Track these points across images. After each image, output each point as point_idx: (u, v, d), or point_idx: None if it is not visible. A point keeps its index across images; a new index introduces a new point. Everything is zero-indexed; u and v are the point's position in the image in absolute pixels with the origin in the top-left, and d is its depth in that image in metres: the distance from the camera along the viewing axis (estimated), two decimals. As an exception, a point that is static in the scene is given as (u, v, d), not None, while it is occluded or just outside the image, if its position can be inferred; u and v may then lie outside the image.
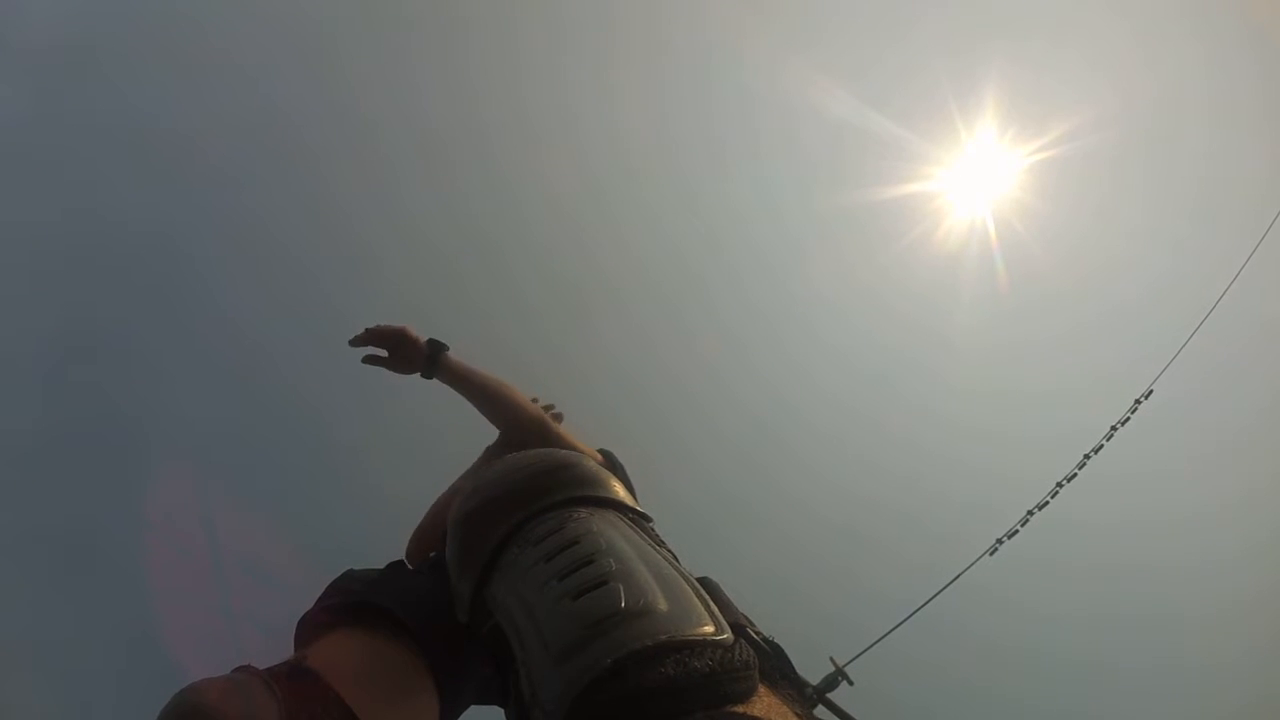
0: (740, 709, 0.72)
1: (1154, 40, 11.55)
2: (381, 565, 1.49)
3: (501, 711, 1.10)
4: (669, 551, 0.99)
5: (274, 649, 1.19)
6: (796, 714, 0.75)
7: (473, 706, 1.36)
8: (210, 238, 11.05)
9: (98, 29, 10.53)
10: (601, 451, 1.67)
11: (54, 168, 10.35)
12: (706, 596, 0.85)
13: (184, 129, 10.80)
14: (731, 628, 0.80)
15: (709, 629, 0.78)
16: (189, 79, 10.91)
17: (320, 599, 1.32)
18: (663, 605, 0.81)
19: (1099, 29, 11.82)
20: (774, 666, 0.83)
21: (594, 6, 12.09)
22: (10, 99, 10.28)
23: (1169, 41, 11.46)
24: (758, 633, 0.87)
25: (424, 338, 1.69)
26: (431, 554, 1.51)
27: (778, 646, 0.87)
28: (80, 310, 10.30)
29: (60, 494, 9.56)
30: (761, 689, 0.76)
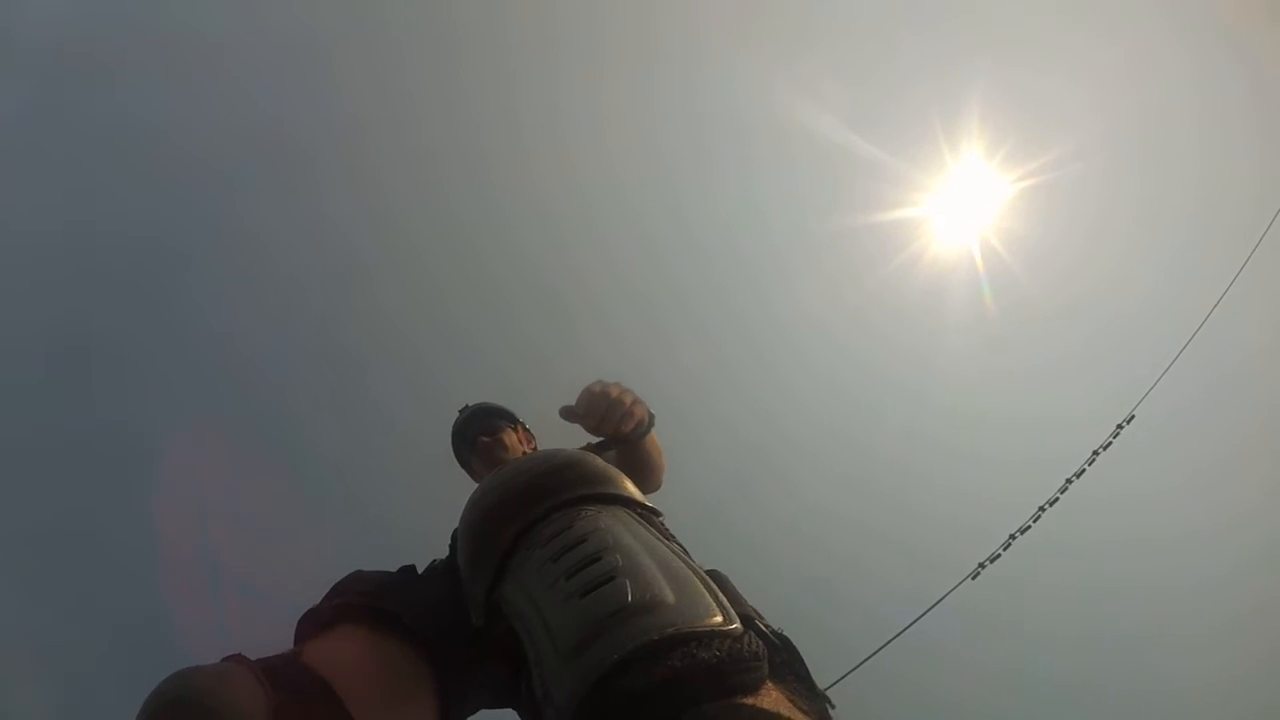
0: (749, 701, 0.72)
1: (1140, 66, 11.79)
2: (387, 568, 1.46)
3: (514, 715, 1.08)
4: (679, 545, 0.99)
5: (270, 647, 1.17)
6: (803, 710, 0.75)
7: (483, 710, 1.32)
8: (205, 243, 11.02)
9: (97, 32, 10.54)
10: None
11: (51, 170, 10.31)
12: (715, 588, 0.85)
13: (179, 134, 10.79)
14: (740, 619, 0.81)
15: (717, 619, 0.79)
16: (185, 84, 10.92)
17: (326, 597, 1.29)
18: (670, 598, 0.81)
19: (1085, 55, 12.04)
20: (783, 661, 0.83)
21: (583, 28, 12.22)
22: (9, 100, 10.26)
23: (1155, 68, 11.70)
24: (767, 626, 0.87)
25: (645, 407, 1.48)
26: (436, 561, 1.49)
27: (787, 640, 0.87)
28: (76, 314, 10.23)
29: (56, 497, 9.46)
30: (770, 683, 0.76)
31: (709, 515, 11.83)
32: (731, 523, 11.87)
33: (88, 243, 10.35)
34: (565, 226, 12.44)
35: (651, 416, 1.50)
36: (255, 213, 11.20)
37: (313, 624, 1.22)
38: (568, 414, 1.37)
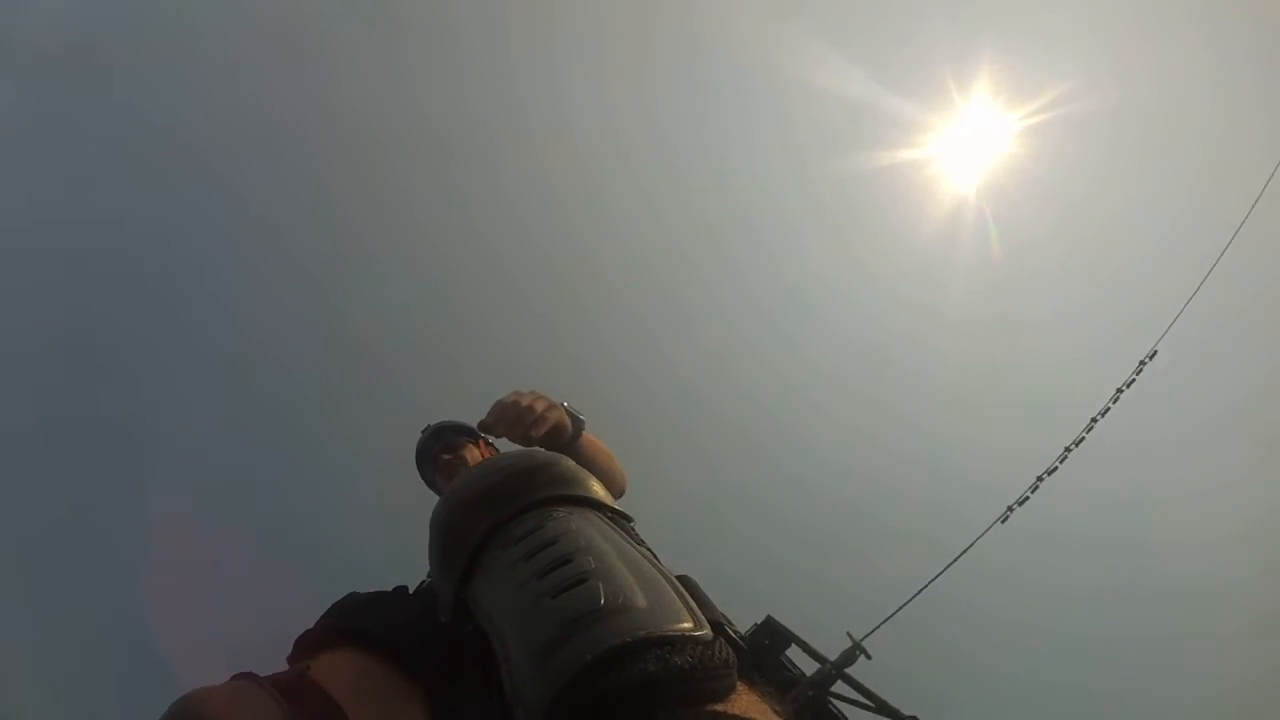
0: (720, 707, 0.72)
1: (1149, 3, 11.45)
2: (386, 585, 1.48)
3: None
4: (648, 550, 0.99)
5: (269, 655, 1.18)
6: (775, 711, 0.74)
7: None
8: (209, 237, 11.11)
9: (99, 30, 10.55)
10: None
11: (53, 167, 10.41)
12: (685, 593, 0.85)
13: (183, 130, 10.85)
14: (711, 625, 0.80)
15: (688, 625, 0.78)
16: (189, 81, 10.94)
17: (321, 619, 1.31)
18: (641, 601, 0.80)
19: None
20: (752, 665, 0.82)
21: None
22: (12, 99, 10.34)
23: (1164, 4, 11.36)
24: (736, 631, 0.87)
25: (568, 414, 1.49)
26: (425, 581, 1.50)
27: (763, 635, 0.87)
28: (78, 310, 10.37)
29: (57, 495, 9.67)
30: (741, 687, 0.76)
31: (729, 480, 11.92)
32: (754, 485, 11.96)
33: (94, 240, 10.46)
34: (566, 195, 12.38)
35: (579, 421, 1.51)
36: (265, 207, 11.25)
37: (308, 645, 1.23)
38: (481, 425, 1.41)
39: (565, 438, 1.47)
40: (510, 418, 1.38)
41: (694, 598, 0.85)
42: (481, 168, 11.79)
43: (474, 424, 2.09)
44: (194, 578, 9.53)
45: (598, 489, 1.11)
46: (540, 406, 1.41)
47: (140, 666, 9.00)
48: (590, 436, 1.55)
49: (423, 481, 2.06)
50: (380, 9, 11.49)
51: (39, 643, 9.43)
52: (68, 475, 9.92)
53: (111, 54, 10.57)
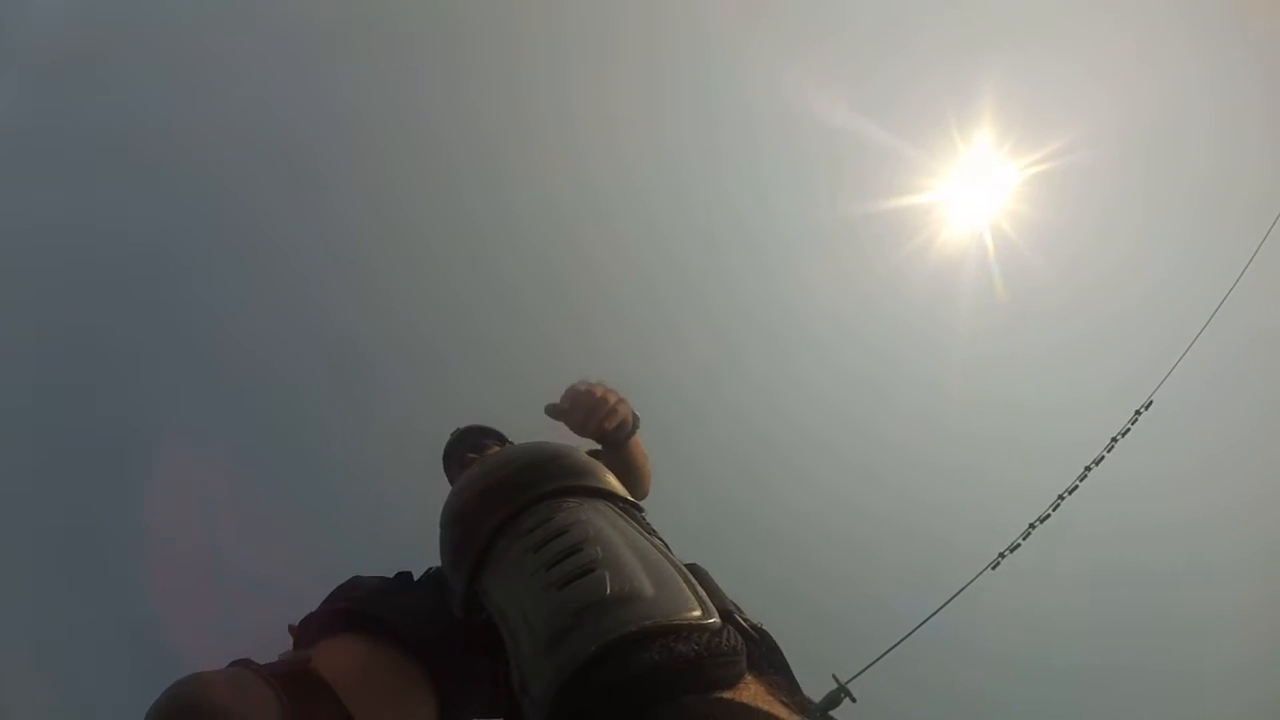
0: (727, 695, 0.70)
1: (1154, 53, 11.62)
2: (388, 572, 1.46)
3: None
4: (660, 540, 0.97)
5: (270, 645, 1.16)
6: (783, 703, 0.72)
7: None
8: (209, 243, 11.10)
9: (99, 32, 10.62)
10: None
11: (53, 170, 10.40)
12: (694, 582, 0.83)
13: (183, 134, 10.86)
14: (720, 613, 0.79)
15: (696, 613, 0.77)
16: (188, 84, 10.99)
17: (325, 602, 1.30)
18: (649, 590, 0.79)
19: (1098, 41, 11.88)
20: (762, 655, 0.81)
21: (591, 13, 12.19)
22: (11, 103, 10.37)
23: (1169, 54, 11.52)
24: (746, 620, 0.85)
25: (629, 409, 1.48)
26: (432, 568, 1.48)
27: (766, 634, 0.85)
28: (78, 314, 10.32)
29: (60, 497, 9.57)
30: (749, 676, 0.74)
31: (721, 507, 11.81)
32: (744, 514, 11.83)
33: (91, 244, 10.45)
34: (573, 218, 12.43)
35: (636, 418, 1.49)
36: (261, 213, 11.27)
37: (313, 630, 1.21)
38: (553, 411, 1.38)
39: (624, 433, 1.46)
40: (586, 406, 1.36)
41: (704, 586, 0.84)
42: (483, 177, 11.87)
43: (498, 431, 2.11)
44: (192, 573, 9.41)
45: (610, 479, 1.10)
46: (612, 399, 1.40)
47: (138, 659, 8.87)
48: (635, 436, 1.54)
49: (447, 480, 2.05)
50: (384, 12, 11.62)
51: (38, 643, 9.27)
52: (66, 475, 9.83)
53: (112, 55, 10.66)
